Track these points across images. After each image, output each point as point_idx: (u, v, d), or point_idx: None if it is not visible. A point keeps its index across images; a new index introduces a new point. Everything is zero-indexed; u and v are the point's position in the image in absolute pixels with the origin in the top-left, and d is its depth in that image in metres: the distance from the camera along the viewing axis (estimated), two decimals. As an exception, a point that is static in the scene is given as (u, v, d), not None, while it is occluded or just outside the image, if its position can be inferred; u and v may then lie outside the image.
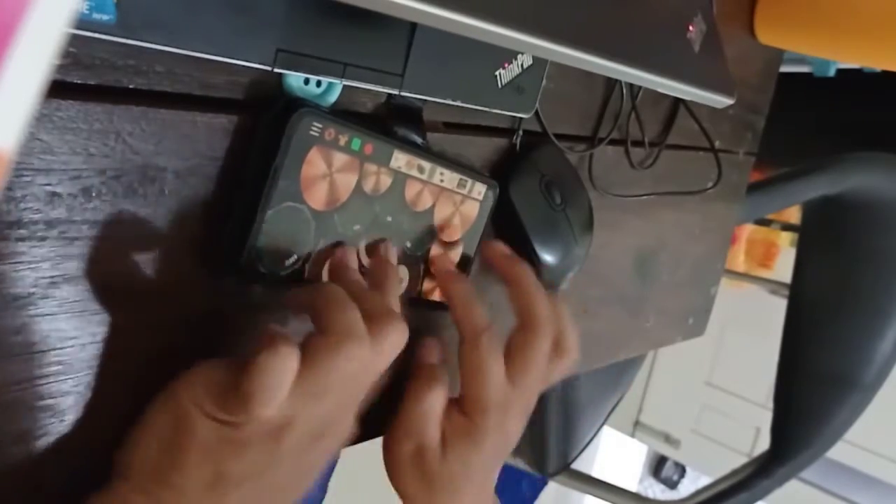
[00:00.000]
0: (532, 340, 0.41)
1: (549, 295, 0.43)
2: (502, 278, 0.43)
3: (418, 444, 0.40)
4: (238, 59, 0.29)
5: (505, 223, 0.45)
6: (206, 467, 0.29)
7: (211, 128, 0.31)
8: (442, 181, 0.39)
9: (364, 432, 0.36)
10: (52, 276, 0.28)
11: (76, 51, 0.27)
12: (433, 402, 0.40)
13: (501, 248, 0.44)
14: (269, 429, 0.30)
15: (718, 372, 2.34)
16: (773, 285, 1.82)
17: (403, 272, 0.40)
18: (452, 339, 0.41)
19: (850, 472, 2.07)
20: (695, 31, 0.42)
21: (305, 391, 0.30)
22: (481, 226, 0.43)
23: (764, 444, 1.08)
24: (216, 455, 0.30)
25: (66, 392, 0.30)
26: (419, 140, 0.38)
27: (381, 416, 0.40)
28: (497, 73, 0.40)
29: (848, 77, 1.22)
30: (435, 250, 0.41)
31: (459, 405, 0.41)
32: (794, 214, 1.78)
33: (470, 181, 0.41)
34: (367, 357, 0.32)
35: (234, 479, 0.30)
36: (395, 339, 0.33)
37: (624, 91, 0.53)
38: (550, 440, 1.16)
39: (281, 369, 0.29)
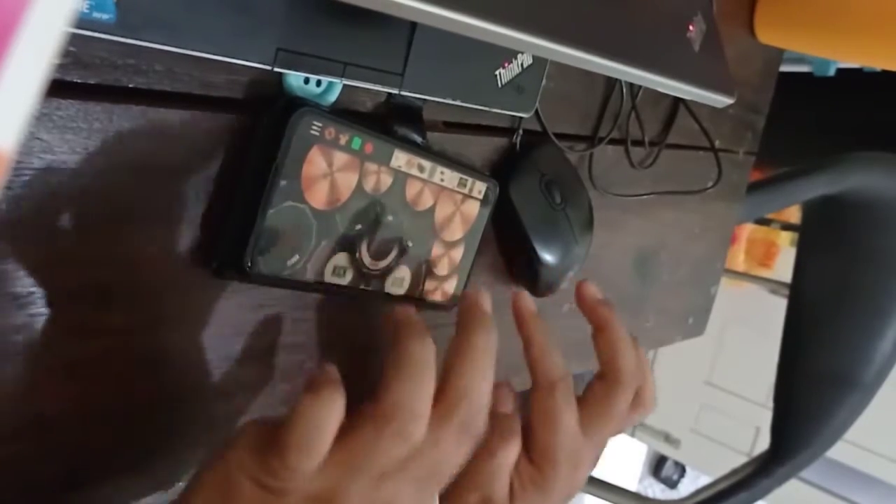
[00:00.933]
0: (615, 395, 0.40)
1: (636, 345, 0.42)
2: (591, 322, 0.42)
3: (485, 497, 0.37)
4: (238, 59, 0.29)
5: (505, 223, 0.45)
6: None
7: (211, 127, 0.31)
8: (442, 180, 0.39)
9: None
10: (51, 276, 0.28)
11: (76, 50, 0.27)
12: (508, 458, 0.37)
13: (592, 290, 0.42)
14: (314, 499, 0.28)
15: (718, 371, 2.34)
16: (773, 285, 1.82)
17: (405, 272, 0.40)
18: (450, 337, 0.41)
19: (850, 471, 2.07)
20: (695, 30, 0.42)
21: (348, 463, 0.29)
22: (482, 225, 0.43)
23: (764, 443, 1.08)
24: None
25: (65, 391, 0.30)
26: (419, 139, 0.38)
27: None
28: (497, 72, 0.40)
29: (848, 77, 1.22)
30: (436, 250, 0.41)
31: (528, 453, 0.39)
32: (794, 214, 1.78)
33: (470, 180, 0.41)
34: (423, 447, 0.30)
35: None
36: (461, 428, 0.31)
37: (624, 91, 0.53)
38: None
39: (319, 418, 0.28)
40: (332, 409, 0.28)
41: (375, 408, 0.29)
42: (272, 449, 0.28)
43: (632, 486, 2.77)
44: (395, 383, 0.30)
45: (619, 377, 0.40)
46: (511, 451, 0.37)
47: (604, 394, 0.40)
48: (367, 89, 0.35)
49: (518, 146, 0.46)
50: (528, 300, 0.40)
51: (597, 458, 0.41)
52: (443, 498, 0.37)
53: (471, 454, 0.32)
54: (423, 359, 0.30)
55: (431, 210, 0.40)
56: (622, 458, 2.77)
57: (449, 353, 0.32)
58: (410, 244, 0.39)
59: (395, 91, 0.35)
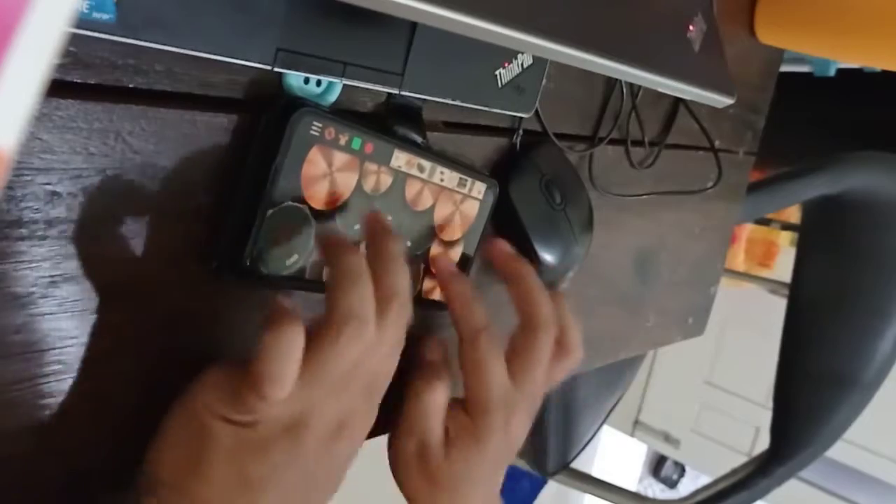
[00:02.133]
0: (534, 340, 0.41)
1: (552, 293, 0.43)
2: (503, 276, 0.43)
3: (421, 441, 0.40)
4: (238, 59, 0.29)
5: (505, 222, 0.45)
6: (229, 474, 0.29)
7: (211, 127, 0.31)
8: (442, 180, 0.39)
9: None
10: (51, 276, 0.28)
11: (76, 50, 0.27)
12: (435, 399, 0.40)
13: (503, 245, 0.44)
14: (286, 425, 0.30)
15: (718, 371, 2.34)
16: (772, 285, 1.82)
17: (403, 272, 0.40)
18: (454, 340, 0.41)
19: (850, 471, 2.07)
20: (695, 30, 0.42)
21: (316, 377, 0.30)
22: (481, 225, 0.43)
23: (763, 443, 1.08)
24: (238, 460, 0.29)
25: (65, 391, 0.30)
26: (419, 139, 0.38)
27: (385, 413, 0.40)
28: (497, 72, 0.40)
29: (848, 77, 1.22)
30: (435, 249, 0.41)
31: (463, 406, 0.41)
32: (793, 214, 1.78)
33: (470, 180, 0.41)
34: (373, 343, 0.31)
35: (260, 482, 0.29)
36: (399, 318, 0.33)
37: (624, 91, 0.53)
38: (550, 439, 1.17)
39: (285, 347, 0.29)
40: (295, 337, 0.29)
41: (330, 317, 0.31)
42: (242, 385, 0.29)
43: (631, 486, 2.77)
44: (342, 291, 0.31)
45: (536, 323, 0.41)
46: (438, 393, 0.40)
47: (525, 341, 0.41)
48: (367, 89, 0.35)
49: (518, 146, 0.46)
50: (447, 260, 0.42)
51: (531, 409, 0.42)
52: (387, 446, 0.40)
53: (403, 342, 0.34)
54: (360, 269, 0.32)
55: (431, 210, 0.40)
56: (622, 458, 2.77)
57: (370, 261, 0.33)
58: (410, 244, 0.39)
59: (394, 91, 0.35)
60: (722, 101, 0.42)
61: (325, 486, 0.33)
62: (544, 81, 0.43)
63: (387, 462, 0.41)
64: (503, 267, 0.43)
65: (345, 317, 0.30)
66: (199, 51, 0.28)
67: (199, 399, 0.30)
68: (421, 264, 0.41)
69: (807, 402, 1.03)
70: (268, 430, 0.30)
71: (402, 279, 0.34)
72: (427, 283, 0.42)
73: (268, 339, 0.29)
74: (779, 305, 1.11)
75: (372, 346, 0.32)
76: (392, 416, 0.41)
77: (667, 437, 2.45)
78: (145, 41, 0.26)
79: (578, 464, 1.26)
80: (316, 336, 0.30)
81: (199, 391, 0.30)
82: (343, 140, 0.33)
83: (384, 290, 0.32)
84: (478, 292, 0.41)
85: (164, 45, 0.27)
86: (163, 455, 0.30)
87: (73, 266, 0.29)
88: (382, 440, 0.41)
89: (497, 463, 0.42)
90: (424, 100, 0.38)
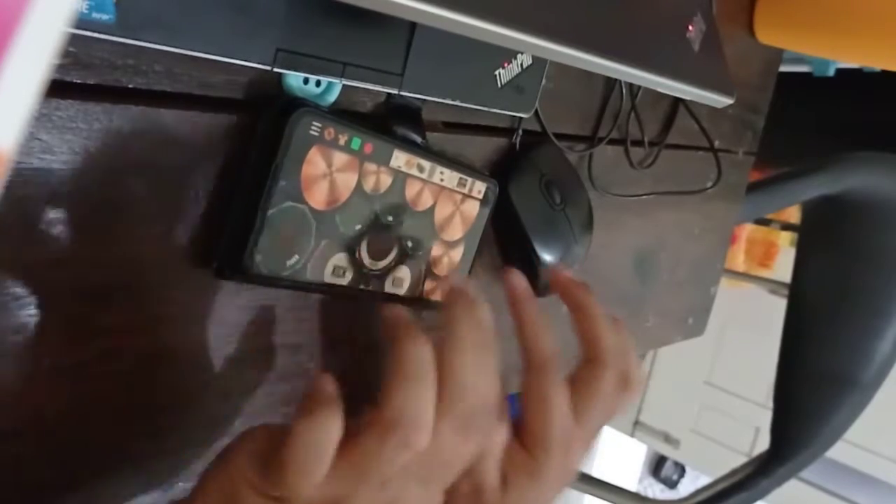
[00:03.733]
0: (599, 375, 0.39)
1: (614, 323, 0.41)
2: (567, 304, 0.41)
3: (476, 484, 0.36)
4: (237, 59, 0.29)
5: (505, 223, 0.45)
6: None
7: (210, 127, 0.31)
8: (442, 180, 0.39)
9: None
10: (51, 276, 0.28)
11: (76, 50, 0.27)
12: (495, 445, 0.37)
13: (565, 272, 0.42)
14: None
15: (718, 372, 2.34)
16: (772, 285, 1.82)
17: (404, 272, 0.40)
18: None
19: (850, 472, 2.07)
20: (694, 30, 0.42)
21: (352, 474, 0.28)
22: (482, 225, 0.43)
23: (763, 443, 1.08)
24: None
25: (65, 391, 0.30)
26: (419, 139, 0.38)
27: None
28: (497, 72, 0.40)
29: (848, 77, 1.23)
30: (436, 250, 0.41)
31: (520, 438, 0.38)
32: (793, 214, 1.78)
33: (470, 180, 0.41)
34: (424, 449, 0.29)
35: None
36: (463, 425, 0.30)
37: (624, 91, 0.53)
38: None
39: (315, 439, 0.27)
40: (329, 430, 0.28)
41: (378, 416, 0.29)
42: (272, 465, 0.28)
43: (632, 486, 2.77)
44: (396, 390, 0.29)
45: (602, 357, 0.39)
46: (496, 438, 0.37)
47: (589, 376, 0.39)
48: (367, 89, 0.35)
49: (518, 146, 0.46)
50: (519, 278, 0.39)
51: (589, 446, 0.40)
52: None
53: (479, 446, 0.32)
54: (421, 362, 0.30)
55: (431, 210, 0.40)
56: (622, 458, 2.77)
57: (442, 350, 0.31)
58: (410, 244, 0.39)
59: (394, 91, 0.35)
60: (721, 101, 0.42)
61: None
62: (544, 81, 0.43)
63: None
64: (566, 295, 0.41)
65: (393, 421, 0.28)
66: (199, 51, 0.28)
67: (237, 463, 0.29)
68: (422, 265, 0.41)
69: (807, 402, 1.03)
70: None
71: (472, 368, 0.31)
72: (428, 284, 0.42)
73: (299, 427, 0.27)
74: (779, 305, 1.11)
75: (427, 450, 0.29)
76: None
77: (667, 438, 2.45)
78: (145, 42, 0.26)
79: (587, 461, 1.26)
80: (361, 431, 0.28)
81: (237, 455, 0.29)
82: (343, 140, 0.33)
83: (448, 386, 0.30)
84: (478, 292, 0.40)
85: (164, 45, 0.27)
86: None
87: (72, 266, 0.29)
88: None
89: (551, 495, 0.39)
90: (424, 100, 0.38)
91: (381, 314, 0.32)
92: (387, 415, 0.28)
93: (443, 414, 0.30)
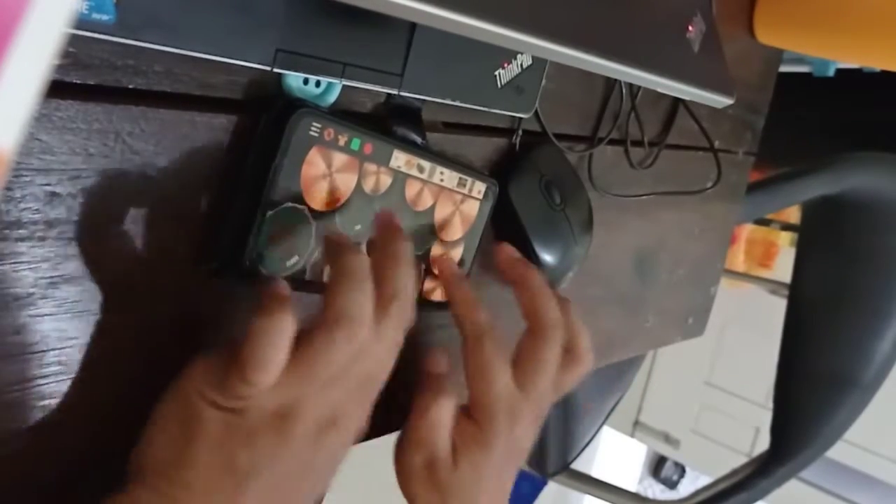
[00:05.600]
0: (541, 345, 0.40)
1: (559, 298, 0.42)
2: (509, 280, 0.43)
3: (429, 454, 0.39)
4: (237, 59, 0.29)
5: (505, 223, 0.45)
6: (216, 461, 0.29)
7: (210, 128, 0.31)
8: (442, 180, 0.39)
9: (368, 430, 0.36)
10: (51, 276, 0.28)
11: (76, 51, 0.27)
12: (441, 414, 0.39)
13: (509, 249, 0.43)
14: (274, 414, 0.30)
15: (718, 372, 2.34)
16: (772, 285, 1.82)
17: (403, 272, 0.40)
18: (456, 342, 0.41)
19: (850, 472, 2.07)
20: (694, 30, 0.42)
21: (305, 372, 0.30)
22: (482, 225, 0.43)
23: (764, 443, 1.08)
24: (225, 446, 0.29)
25: (65, 392, 0.30)
26: (419, 140, 0.38)
27: (384, 414, 0.40)
28: (496, 72, 0.40)
29: (848, 77, 1.23)
30: (436, 250, 0.41)
31: (467, 411, 0.40)
32: (793, 214, 1.78)
33: (470, 180, 0.41)
34: (368, 343, 0.31)
35: (246, 470, 0.29)
36: (397, 320, 0.33)
37: (623, 91, 0.53)
38: (550, 440, 1.16)
39: (273, 333, 0.29)
40: (284, 325, 0.29)
41: (324, 317, 0.30)
42: (230, 370, 0.29)
43: (631, 486, 2.77)
44: (340, 292, 0.31)
45: (543, 328, 0.41)
46: (443, 407, 0.39)
47: (531, 346, 0.41)
48: (367, 90, 0.35)
49: (517, 146, 0.46)
50: (450, 261, 0.41)
51: (538, 415, 0.42)
52: (394, 458, 0.40)
53: (401, 343, 0.34)
54: (361, 268, 0.32)
55: (431, 210, 0.40)
56: (622, 459, 2.77)
57: (376, 261, 0.33)
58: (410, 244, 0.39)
59: (394, 91, 0.35)
60: (721, 101, 0.42)
61: (313, 479, 0.32)
62: (544, 82, 0.43)
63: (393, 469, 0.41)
64: (509, 271, 0.43)
65: (339, 316, 0.30)
66: (199, 51, 0.28)
67: (190, 383, 0.30)
68: (422, 264, 0.41)
69: (807, 402, 1.03)
70: (256, 418, 0.29)
71: (404, 280, 0.33)
72: (428, 284, 0.42)
73: (256, 324, 0.29)
74: (779, 305, 1.11)
75: (367, 346, 0.32)
76: (390, 417, 0.41)
77: (667, 438, 2.45)
78: (145, 42, 0.26)
79: (578, 464, 1.26)
80: (309, 332, 0.30)
81: (191, 375, 0.30)
82: (342, 141, 0.33)
83: (385, 291, 0.32)
84: (479, 294, 0.41)
85: (164, 45, 0.27)
86: (152, 439, 0.30)
87: (72, 267, 0.29)
88: (387, 446, 0.41)
89: (505, 468, 0.41)
90: (424, 100, 0.38)
91: (324, 238, 0.34)
92: (332, 312, 0.30)
93: (382, 313, 0.32)
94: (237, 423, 0.29)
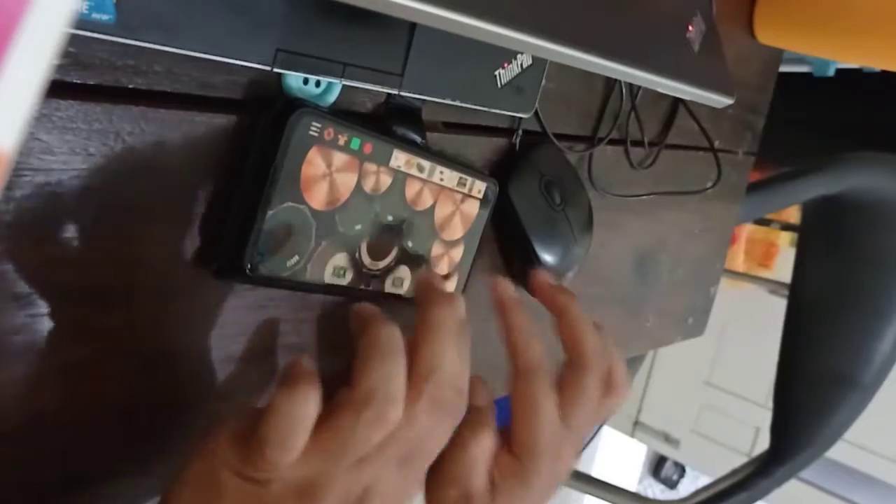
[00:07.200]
0: (583, 378, 0.39)
1: (597, 326, 0.41)
2: (549, 309, 0.41)
3: (464, 489, 0.37)
4: (237, 59, 0.29)
5: (505, 223, 0.45)
6: None
7: (210, 128, 0.31)
8: (442, 180, 0.39)
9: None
10: (51, 276, 0.28)
11: (76, 51, 0.27)
12: (482, 450, 0.37)
13: (544, 277, 0.42)
14: (298, 489, 0.29)
15: (718, 372, 2.34)
16: (772, 285, 1.82)
17: (405, 272, 0.40)
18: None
19: (850, 472, 2.07)
20: (694, 31, 0.42)
21: (331, 450, 0.29)
22: (482, 224, 0.43)
23: (764, 443, 1.08)
24: None
25: (65, 392, 0.30)
26: (419, 139, 0.38)
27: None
28: (496, 72, 0.40)
29: (848, 77, 1.23)
30: (437, 249, 0.41)
31: (508, 444, 0.38)
32: (793, 214, 1.79)
33: (470, 179, 0.41)
34: (400, 427, 0.30)
35: None
36: (431, 405, 0.31)
37: (623, 91, 0.53)
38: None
39: (294, 414, 0.28)
40: (307, 404, 0.28)
41: (351, 395, 0.29)
42: (251, 443, 0.28)
43: (631, 486, 2.77)
44: (367, 369, 0.30)
45: (585, 360, 0.39)
46: (483, 443, 0.37)
47: (573, 379, 0.39)
48: (367, 90, 0.35)
49: (517, 146, 0.46)
50: (507, 286, 0.40)
51: (577, 450, 0.40)
52: (425, 493, 0.37)
53: (452, 428, 0.32)
54: (391, 342, 0.31)
55: (431, 210, 0.40)
56: (622, 459, 2.77)
57: (415, 332, 0.32)
58: (410, 244, 0.39)
59: (394, 91, 0.35)
60: (721, 101, 0.42)
61: None
62: (544, 82, 0.43)
63: None
64: (547, 299, 0.41)
65: (367, 397, 0.29)
66: (199, 51, 0.28)
67: (216, 448, 0.29)
68: (423, 264, 0.41)
69: (807, 402, 1.03)
70: (278, 491, 0.28)
71: (442, 356, 0.31)
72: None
73: (277, 402, 0.28)
74: (779, 305, 1.11)
75: (401, 428, 0.30)
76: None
77: (667, 438, 2.45)
78: (145, 42, 0.26)
79: (578, 464, 1.26)
80: (335, 409, 0.29)
81: (217, 439, 0.29)
82: (342, 140, 0.33)
83: (417, 369, 0.31)
84: (477, 294, 0.40)
85: (164, 45, 0.27)
86: (177, 492, 0.30)
87: (72, 267, 0.29)
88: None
89: (541, 502, 0.39)
90: (424, 100, 0.38)
91: (351, 309, 0.33)
92: (359, 392, 0.29)
93: (414, 393, 0.31)
94: (258, 494, 0.28)
